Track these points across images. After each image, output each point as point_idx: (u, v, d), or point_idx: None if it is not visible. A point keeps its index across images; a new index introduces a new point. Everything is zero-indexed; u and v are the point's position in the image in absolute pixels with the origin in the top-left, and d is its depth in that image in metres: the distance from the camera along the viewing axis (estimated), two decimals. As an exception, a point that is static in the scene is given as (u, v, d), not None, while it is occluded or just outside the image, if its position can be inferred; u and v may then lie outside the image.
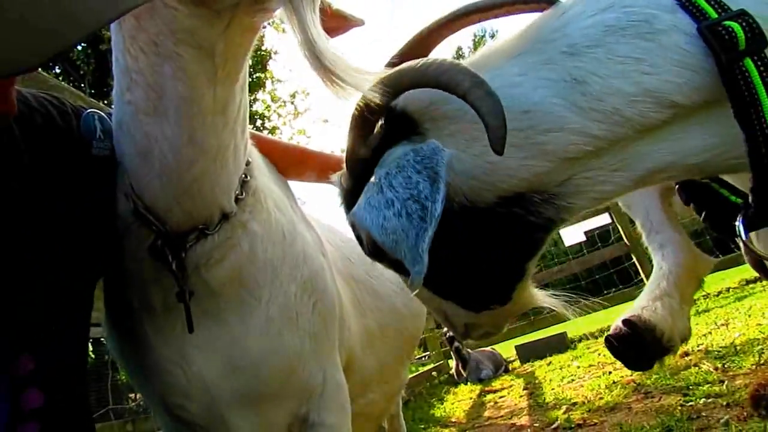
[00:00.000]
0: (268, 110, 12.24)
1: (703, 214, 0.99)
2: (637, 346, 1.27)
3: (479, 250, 0.79)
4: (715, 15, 0.65)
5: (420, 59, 0.72)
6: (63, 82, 2.51)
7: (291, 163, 1.26)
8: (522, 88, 0.71)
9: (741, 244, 0.76)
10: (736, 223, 0.74)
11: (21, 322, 0.75)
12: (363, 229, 0.70)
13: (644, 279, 5.94)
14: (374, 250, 0.81)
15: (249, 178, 0.99)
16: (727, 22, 0.64)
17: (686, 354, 3.21)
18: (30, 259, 0.77)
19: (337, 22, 0.84)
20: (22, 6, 0.47)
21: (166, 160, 0.82)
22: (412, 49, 0.89)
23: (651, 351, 1.28)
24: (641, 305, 1.33)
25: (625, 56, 0.67)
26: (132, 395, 4.54)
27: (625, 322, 1.27)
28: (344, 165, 0.85)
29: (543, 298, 0.94)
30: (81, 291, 0.89)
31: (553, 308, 0.98)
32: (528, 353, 5.75)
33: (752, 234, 1.00)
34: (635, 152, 0.71)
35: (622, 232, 6.17)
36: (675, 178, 0.76)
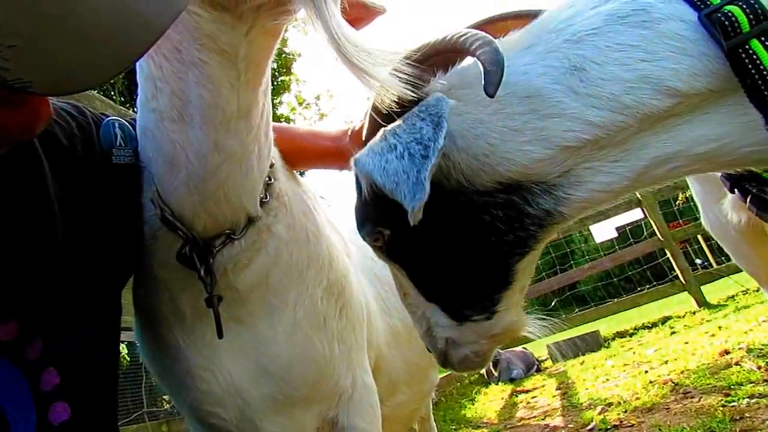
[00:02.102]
0: (294, 112, 12.36)
1: (747, 201, 0.95)
2: None
3: (470, 238, 0.79)
4: (717, 1, 0.65)
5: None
6: (93, 91, 2.57)
7: (301, 156, 1.23)
8: (527, 76, 0.73)
9: None
10: None
11: (45, 335, 0.76)
12: (364, 174, 0.73)
13: (679, 275, 5.79)
14: (372, 197, 0.82)
15: (273, 180, 0.99)
16: (728, 7, 0.63)
17: (726, 352, 3.12)
18: (54, 270, 0.78)
19: (358, 12, 0.83)
20: (108, 14, 0.48)
21: (192, 166, 0.82)
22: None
23: None
24: None
25: (623, 44, 0.68)
26: (166, 397, 4.63)
27: None
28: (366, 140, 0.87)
29: (529, 324, 0.90)
30: (106, 301, 0.90)
31: (531, 336, 0.95)
32: (560, 352, 5.65)
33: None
34: (639, 143, 0.71)
35: (654, 227, 6.02)
36: (685, 171, 0.74)
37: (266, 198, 0.97)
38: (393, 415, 1.53)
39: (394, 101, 0.74)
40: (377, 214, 0.83)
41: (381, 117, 0.81)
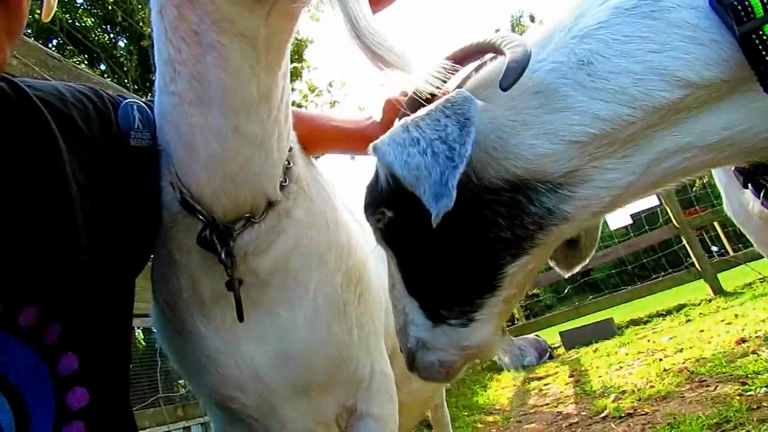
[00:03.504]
0: (306, 99, 12.35)
1: (761, 195, 0.93)
2: None
3: (465, 231, 0.77)
4: None
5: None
6: (107, 80, 2.58)
7: (319, 140, 1.22)
8: (537, 72, 0.74)
9: None
10: None
11: (64, 320, 0.76)
12: (384, 163, 0.73)
13: (695, 262, 5.73)
14: (388, 187, 0.81)
15: (292, 164, 0.99)
16: None
17: (743, 340, 3.09)
18: (73, 254, 0.77)
19: None
20: None
21: (212, 150, 0.81)
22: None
23: None
24: None
25: (631, 35, 0.67)
26: (182, 381, 4.69)
27: None
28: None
29: (499, 350, 0.87)
30: (123, 286, 0.89)
31: (502, 364, 0.92)
32: (573, 339, 5.65)
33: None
34: (648, 138, 0.69)
35: (670, 214, 5.95)
36: (697, 163, 0.71)
37: (285, 182, 0.96)
38: (409, 402, 1.53)
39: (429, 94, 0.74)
40: (386, 195, 0.83)
41: (417, 106, 0.81)
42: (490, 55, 0.85)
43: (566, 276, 1.05)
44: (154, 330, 1.11)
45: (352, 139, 1.17)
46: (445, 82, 0.80)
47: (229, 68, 0.76)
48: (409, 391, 1.50)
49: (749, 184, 0.92)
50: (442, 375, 0.87)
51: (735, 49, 0.62)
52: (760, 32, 0.60)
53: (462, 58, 0.84)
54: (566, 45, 0.72)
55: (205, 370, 1.00)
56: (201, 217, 0.87)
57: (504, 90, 0.68)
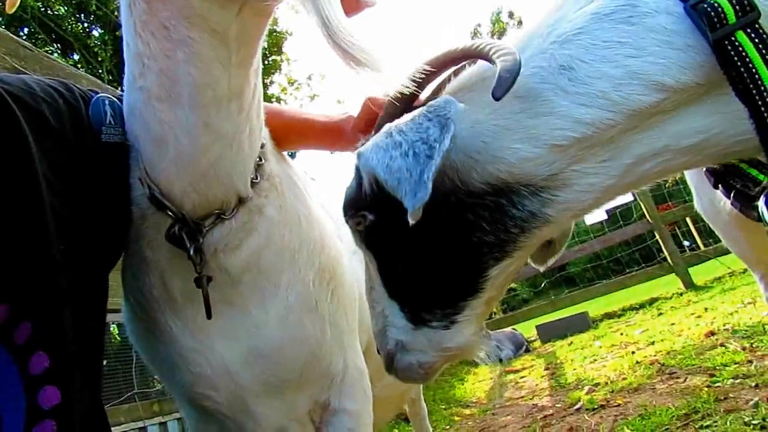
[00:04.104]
0: (285, 92, 12.25)
1: (731, 196, 0.95)
2: None
3: (449, 236, 0.78)
4: None
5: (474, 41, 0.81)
6: (81, 70, 2.52)
7: (291, 133, 1.22)
8: (519, 77, 0.74)
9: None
10: (759, 204, 0.73)
11: (34, 318, 0.74)
12: (367, 169, 0.74)
13: (667, 257, 5.85)
14: (371, 193, 0.81)
15: (264, 161, 0.98)
16: None
17: (712, 333, 3.17)
18: (43, 251, 0.76)
19: (347, 4, 0.82)
20: None
21: (182, 146, 0.81)
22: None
23: None
24: None
25: (610, 41, 0.68)
26: (157, 377, 4.63)
27: None
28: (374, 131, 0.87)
29: (480, 350, 0.88)
30: (95, 283, 0.88)
31: (479, 361, 0.94)
32: (549, 333, 5.73)
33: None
34: (626, 141, 0.71)
35: (644, 210, 6.07)
36: (673, 165, 0.73)
37: (257, 179, 0.96)
38: (384, 396, 1.54)
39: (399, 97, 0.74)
40: (369, 199, 0.83)
41: (396, 108, 0.82)
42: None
43: (541, 270, 1.07)
44: (126, 327, 1.10)
45: (325, 134, 1.17)
46: (419, 83, 0.81)
47: (200, 64, 0.75)
48: (384, 385, 1.51)
49: (720, 185, 0.95)
50: (421, 376, 0.88)
51: (709, 53, 0.63)
52: (733, 38, 0.61)
53: (446, 62, 0.85)
54: (546, 50, 0.73)
55: (177, 368, 0.99)
56: (170, 213, 0.86)
57: (497, 100, 0.68)
